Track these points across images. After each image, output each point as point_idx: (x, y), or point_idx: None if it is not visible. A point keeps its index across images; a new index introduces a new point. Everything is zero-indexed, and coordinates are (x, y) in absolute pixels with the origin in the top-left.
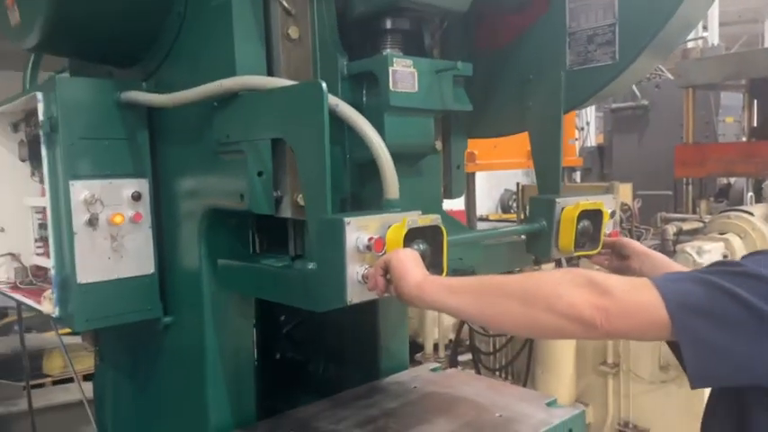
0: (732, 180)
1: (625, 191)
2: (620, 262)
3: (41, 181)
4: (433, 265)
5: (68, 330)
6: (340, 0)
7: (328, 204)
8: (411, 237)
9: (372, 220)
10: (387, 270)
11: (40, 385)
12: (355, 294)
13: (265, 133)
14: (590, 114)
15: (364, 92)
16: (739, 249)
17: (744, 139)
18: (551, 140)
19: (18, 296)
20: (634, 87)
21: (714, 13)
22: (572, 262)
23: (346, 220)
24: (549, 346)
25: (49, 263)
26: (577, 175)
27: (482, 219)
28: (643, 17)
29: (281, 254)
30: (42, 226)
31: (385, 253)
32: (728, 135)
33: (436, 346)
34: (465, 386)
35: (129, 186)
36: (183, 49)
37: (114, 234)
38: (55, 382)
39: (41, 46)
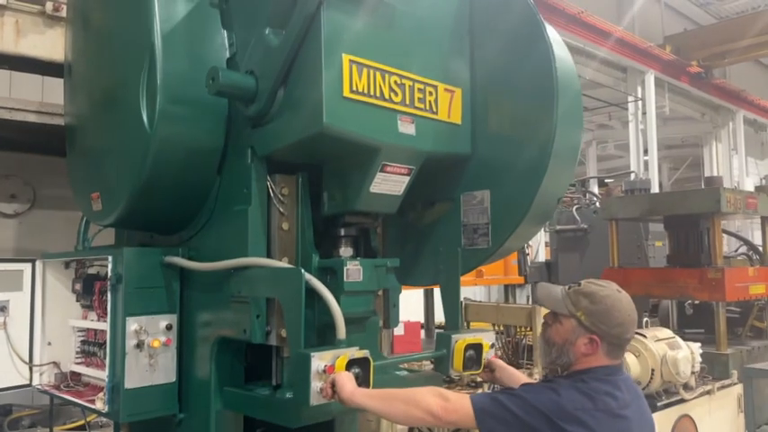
0: (657, 300)
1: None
2: (492, 375)
3: (88, 308)
4: (365, 381)
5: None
6: (315, 204)
7: (302, 341)
8: (350, 364)
9: (327, 353)
10: (333, 384)
11: None
12: (315, 399)
13: (265, 293)
14: (539, 233)
15: (328, 278)
16: (633, 365)
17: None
18: (453, 293)
19: (68, 397)
20: (574, 212)
21: (653, 142)
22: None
23: (312, 353)
24: None
25: (87, 371)
26: (527, 289)
27: (438, 326)
28: (504, 220)
29: (263, 384)
30: (84, 342)
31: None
32: (658, 257)
33: None
34: None
35: (164, 319)
36: (210, 230)
37: (152, 354)
38: None
39: (113, 224)
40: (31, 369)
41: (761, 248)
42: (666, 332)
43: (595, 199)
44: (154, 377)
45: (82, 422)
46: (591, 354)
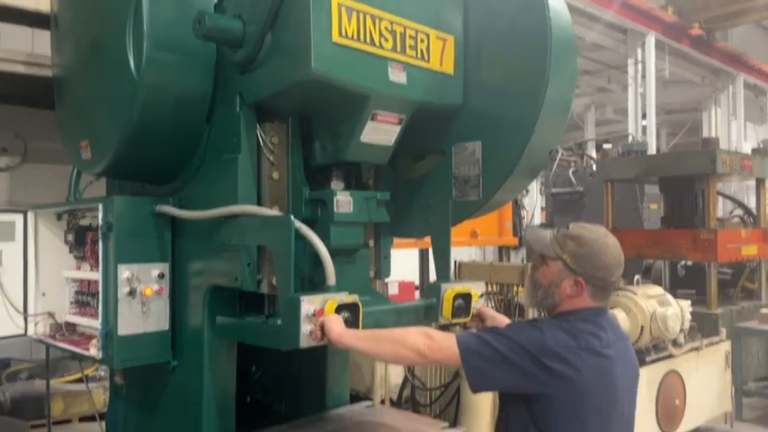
0: (651, 261)
1: None
2: (482, 323)
3: (81, 259)
4: (354, 325)
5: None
6: (306, 153)
7: (292, 287)
8: (339, 309)
9: (317, 298)
10: (322, 327)
11: (42, 425)
12: (304, 341)
13: (255, 241)
14: (535, 196)
15: (319, 210)
16: (622, 321)
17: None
18: (443, 244)
19: (63, 345)
20: (571, 175)
21: (651, 105)
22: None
23: (302, 297)
24: (471, 399)
25: (82, 321)
26: (521, 252)
27: None
28: (494, 172)
29: (256, 314)
30: (78, 293)
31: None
32: (653, 220)
33: (383, 401)
34: (386, 416)
35: (156, 268)
36: (200, 179)
37: (144, 301)
38: (55, 423)
39: (102, 173)
40: (25, 319)
41: (755, 211)
42: (657, 289)
43: (592, 162)
44: (147, 324)
45: (79, 375)
46: (576, 296)
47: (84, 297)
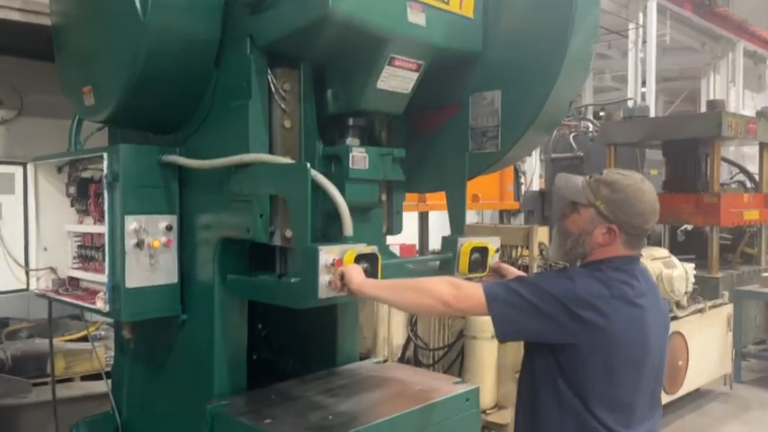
0: None
1: (543, 233)
2: (499, 279)
3: (84, 212)
4: (373, 276)
5: (70, 337)
6: (319, 102)
7: (309, 237)
8: (359, 259)
9: (335, 248)
10: (342, 277)
11: (44, 383)
12: (323, 292)
13: (268, 190)
14: (534, 162)
15: (333, 166)
16: None
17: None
18: (459, 198)
19: (68, 299)
20: (571, 140)
21: (652, 71)
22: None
23: (320, 247)
24: (476, 359)
25: (85, 275)
26: (520, 217)
27: (433, 252)
28: (514, 123)
29: (267, 272)
30: (81, 247)
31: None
32: (654, 185)
33: (386, 362)
34: (397, 372)
35: (164, 220)
36: (208, 128)
37: (152, 254)
38: (57, 381)
39: (106, 121)
40: (27, 273)
41: (756, 177)
42: (662, 251)
43: (592, 127)
44: (155, 277)
45: (79, 334)
46: (608, 244)
47: (87, 251)
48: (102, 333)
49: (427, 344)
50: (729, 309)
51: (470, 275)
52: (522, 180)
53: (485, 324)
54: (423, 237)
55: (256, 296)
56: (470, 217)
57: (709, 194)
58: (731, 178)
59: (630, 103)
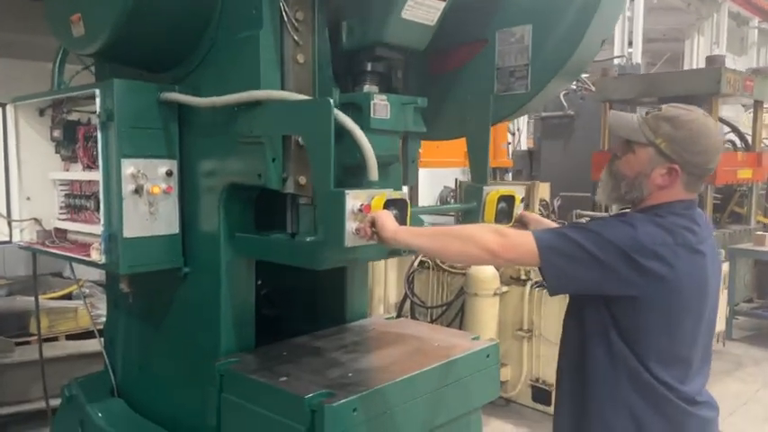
0: None
1: (544, 189)
2: (524, 228)
3: (71, 159)
4: (401, 223)
5: (52, 295)
6: (333, 38)
7: (332, 182)
8: (387, 205)
9: (362, 193)
10: (373, 224)
11: (27, 342)
12: (350, 241)
13: (284, 131)
14: (522, 121)
15: (351, 116)
16: None
17: None
18: (482, 144)
19: (57, 251)
20: (561, 98)
21: (639, 32)
22: None
23: (346, 191)
24: (477, 316)
25: (75, 226)
26: (509, 176)
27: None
28: (546, 60)
29: (276, 230)
30: (69, 196)
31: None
32: None
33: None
34: (411, 328)
35: (163, 165)
36: (211, 64)
37: (152, 201)
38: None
39: (97, 54)
40: (10, 225)
41: (747, 136)
42: None
43: (582, 85)
44: (155, 227)
45: (64, 291)
46: (667, 186)
47: (76, 200)
48: (87, 291)
49: (424, 302)
50: (725, 267)
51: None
52: (510, 139)
53: (486, 281)
54: (411, 195)
55: (269, 256)
56: (459, 175)
57: None
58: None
59: (616, 62)
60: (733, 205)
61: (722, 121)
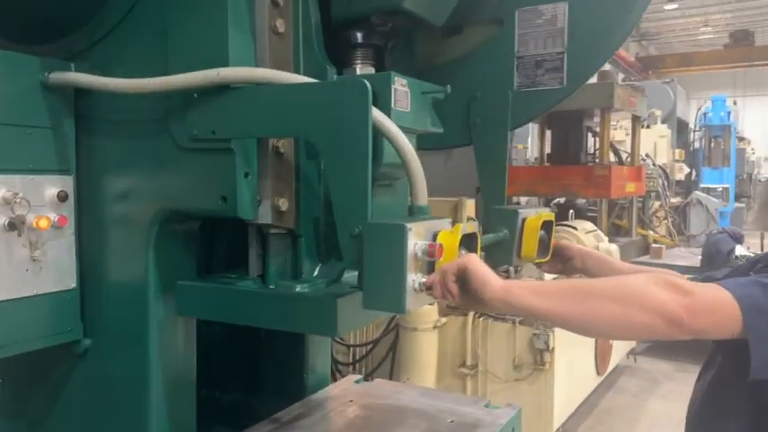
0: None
1: (470, 206)
2: (563, 264)
3: None
4: None
5: None
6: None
7: (369, 208)
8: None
9: (419, 225)
10: (462, 272)
11: None
12: (413, 302)
13: (275, 131)
14: None
15: None
16: None
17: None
18: (497, 155)
19: None
20: None
21: None
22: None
23: (407, 225)
24: (414, 355)
25: None
26: None
27: None
28: (593, 47)
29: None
30: None
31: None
32: (519, 160)
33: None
34: (399, 395)
35: (53, 184)
36: (135, 29)
37: (35, 241)
38: None
39: None
40: None
41: (621, 152)
42: (590, 225)
43: None
44: (39, 281)
45: None
46: None
47: None
48: None
49: (344, 338)
50: None
51: (537, 261)
52: None
53: (425, 313)
54: None
55: (235, 317)
56: None
57: (600, 167)
58: (594, 152)
59: None
60: (614, 218)
61: (595, 134)
